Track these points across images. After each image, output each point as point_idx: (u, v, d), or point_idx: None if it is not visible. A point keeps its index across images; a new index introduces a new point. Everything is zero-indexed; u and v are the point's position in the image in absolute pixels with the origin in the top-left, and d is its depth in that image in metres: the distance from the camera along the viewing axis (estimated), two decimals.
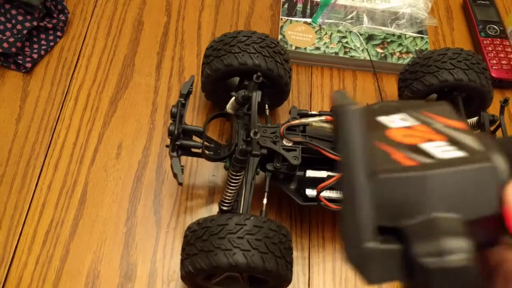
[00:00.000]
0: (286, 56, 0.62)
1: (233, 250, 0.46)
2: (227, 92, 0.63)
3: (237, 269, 0.46)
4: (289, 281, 0.50)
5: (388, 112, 0.21)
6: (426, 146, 0.19)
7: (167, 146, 0.53)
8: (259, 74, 0.54)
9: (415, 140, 0.19)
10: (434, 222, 0.18)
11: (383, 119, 0.21)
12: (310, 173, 0.56)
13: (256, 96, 0.55)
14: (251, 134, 0.49)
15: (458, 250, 0.17)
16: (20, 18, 0.69)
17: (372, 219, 0.18)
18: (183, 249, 0.50)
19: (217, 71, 0.59)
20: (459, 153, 0.19)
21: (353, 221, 0.18)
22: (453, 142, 0.19)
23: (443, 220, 0.18)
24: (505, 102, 0.55)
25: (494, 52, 0.77)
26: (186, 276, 0.49)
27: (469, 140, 0.19)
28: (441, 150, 0.19)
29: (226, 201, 0.54)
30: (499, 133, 0.58)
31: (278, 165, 0.55)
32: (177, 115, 0.52)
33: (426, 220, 0.18)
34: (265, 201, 0.54)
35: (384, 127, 0.20)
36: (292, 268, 0.50)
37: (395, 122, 0.20)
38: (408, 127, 0.20)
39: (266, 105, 0.62)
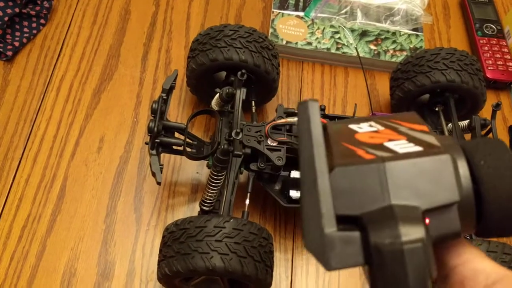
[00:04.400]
0: (274, 51, 0.60)
1: (211, 254, 0.44)
2: (213, 87, 0.61)
3: (214, 273, 0.45)
4: (269, 285, 0.49)
5: (359, 121, 0.22)
6: (388, 144, 0.20)
7: (146, 143, 0.51)
8: (243, 71, 0.52)
9: (379, 140, 0.20)
10: (391, 209, 0.18)
11: (353, 126, 0.22)
12: (294, 174, 0.54)
13: (241, 93, 0.54)
14: (233, 135, 0.47)
15: (412, 234, 0.17)
16: (1, 4, 0.66)
17: (332, 208, 0.19)
18: (160, 251, 0.48)
19: (202, 65, 0.57)
20: (417, 148, 0.19)
21: (314, 209, 0.19)
22: (413, 140, 0.20)
23: (400, 208, 0.18)
24: (496, 106, 0.54)
25: (490, 52, 0.75)
26: (162, 278, 0.48)
27: (429, 138, 0.20)
28: (400, 146, 0.20)
29: (207, 201, 0.53)
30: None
31: (262, 165, 0.53)
32: (157, 111, 0.50)
33: (383, 208, 0.18)
34: (247, 202, 0.52)
35: (353, 131, 0.22)
36: (273, 272, 0.49)
37: (363, 128, 0.22)
38: (375, 131, 0.21)
39: (253, 102, 0.60)
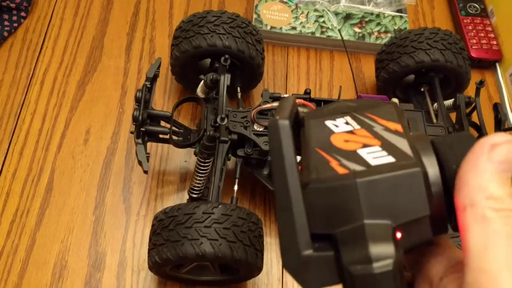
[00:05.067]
0: (258, 37, 0.60)
1: (200, 240, 0.44)
2: (198, 74, 0.61)
3: (204, 259, 0.45)
4: (259, 268, 0.49)
5: (335, 114, 0.22)
6: (361, 152, 0.20)
7: (131, 133, 0.51)
8: (226, 56, 0.52)
9: (353, 146, 0.20)
10: (362, 229, 0.18)
11: (329, 123, 0.22)
12: None
13: (225, 79, 0.53)
14: (218, 120, 0.47)
15: (383, 257, 0.17)
16: None
17: (307, 227, 0.19)
18: (150, 239, 0.48)
19: (185, 53, 0.57)
20: (389, 159, 0.19)
21: (289, 230, 0.19)
22: (386, 146, 0.20)
23: (371, 227, 0.18)
24: (480, 84, 0.54)
25: (474, 31, 0.75)
26: (153, 266, 0.48)
27: (402, 144, 0.20)
28: (373, 155, 0.19)
29: (196, 188, 0.53)
30: (474, 115, 0.57)
31: (249, 150, 0.53)
32: (141, 100, 0.50)
33: (355, 227, 0.18)
34: (235, 187, 0.52)
35: (329, 131, 0.21)
36: (263, 256, 0.49)
37: (340, 126, 0.21)
38: (350, 132, 0.21)
39: (238, 88, 0.60)
